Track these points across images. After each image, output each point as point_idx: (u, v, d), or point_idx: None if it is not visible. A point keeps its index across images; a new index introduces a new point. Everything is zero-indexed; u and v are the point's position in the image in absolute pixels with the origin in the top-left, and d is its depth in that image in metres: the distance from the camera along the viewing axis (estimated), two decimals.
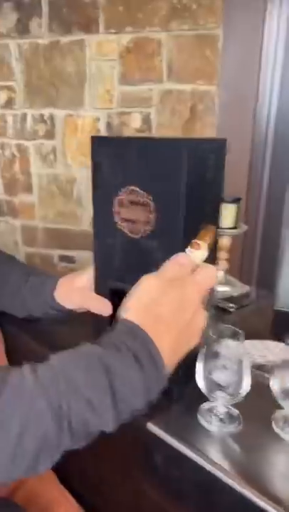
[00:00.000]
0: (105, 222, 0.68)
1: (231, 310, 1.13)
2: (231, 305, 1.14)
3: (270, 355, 0.89)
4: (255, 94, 1.40)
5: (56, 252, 1.78)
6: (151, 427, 0.55)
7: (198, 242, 0.51)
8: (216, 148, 0.67)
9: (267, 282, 1.71)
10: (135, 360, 0.44)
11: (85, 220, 1.68)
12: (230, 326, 0.55)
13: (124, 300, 0.50)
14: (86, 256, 1.72)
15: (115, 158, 0.65)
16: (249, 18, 1.33)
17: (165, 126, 1.48)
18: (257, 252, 1.63)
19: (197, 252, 0.51)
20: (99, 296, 0.74)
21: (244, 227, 1.18)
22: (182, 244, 0.56)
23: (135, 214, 0.65)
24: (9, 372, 0.45)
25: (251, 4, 1.32)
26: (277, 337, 1.13)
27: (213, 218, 0.75)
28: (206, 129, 1.46)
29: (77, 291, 0.79)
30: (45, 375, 0.44)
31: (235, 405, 0.55)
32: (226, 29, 1.35)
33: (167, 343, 0.46)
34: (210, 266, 0.51)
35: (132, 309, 0.48)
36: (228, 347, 0.53)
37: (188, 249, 0.51)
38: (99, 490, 0.83)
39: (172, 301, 0.47)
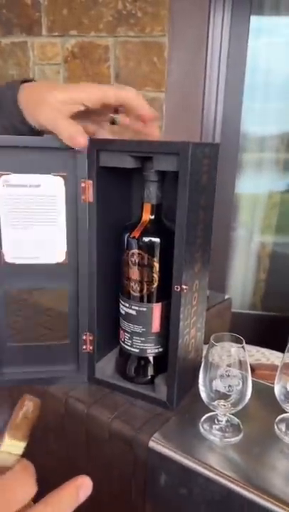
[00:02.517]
0: None
1: None
2: None
3: (264, 360, 0.91)
4: (202, 102, 1.43)
5: None
6: (154, 445, 0.53)
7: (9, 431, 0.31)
8: (207, 153, 0.58)
9: (214, 285, 1.74)
10: None
11: None
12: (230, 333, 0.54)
13: None
14: None
15: None
16: (194, 27, 1.36)
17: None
18: None
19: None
20: (72, 121, 0.55)
21: None
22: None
23: None
24: None
25: (196, 14, 1.35)
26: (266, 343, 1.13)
27: (204, 256, 0.62)
28: None
29: (48, 106, 0.55)
30: None
31: (236, 412, 0.54)
32: (172, 38, 1.37)
33: None
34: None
35: None
36: (230, 354, 0.52)
37: None
38: None
39: None
